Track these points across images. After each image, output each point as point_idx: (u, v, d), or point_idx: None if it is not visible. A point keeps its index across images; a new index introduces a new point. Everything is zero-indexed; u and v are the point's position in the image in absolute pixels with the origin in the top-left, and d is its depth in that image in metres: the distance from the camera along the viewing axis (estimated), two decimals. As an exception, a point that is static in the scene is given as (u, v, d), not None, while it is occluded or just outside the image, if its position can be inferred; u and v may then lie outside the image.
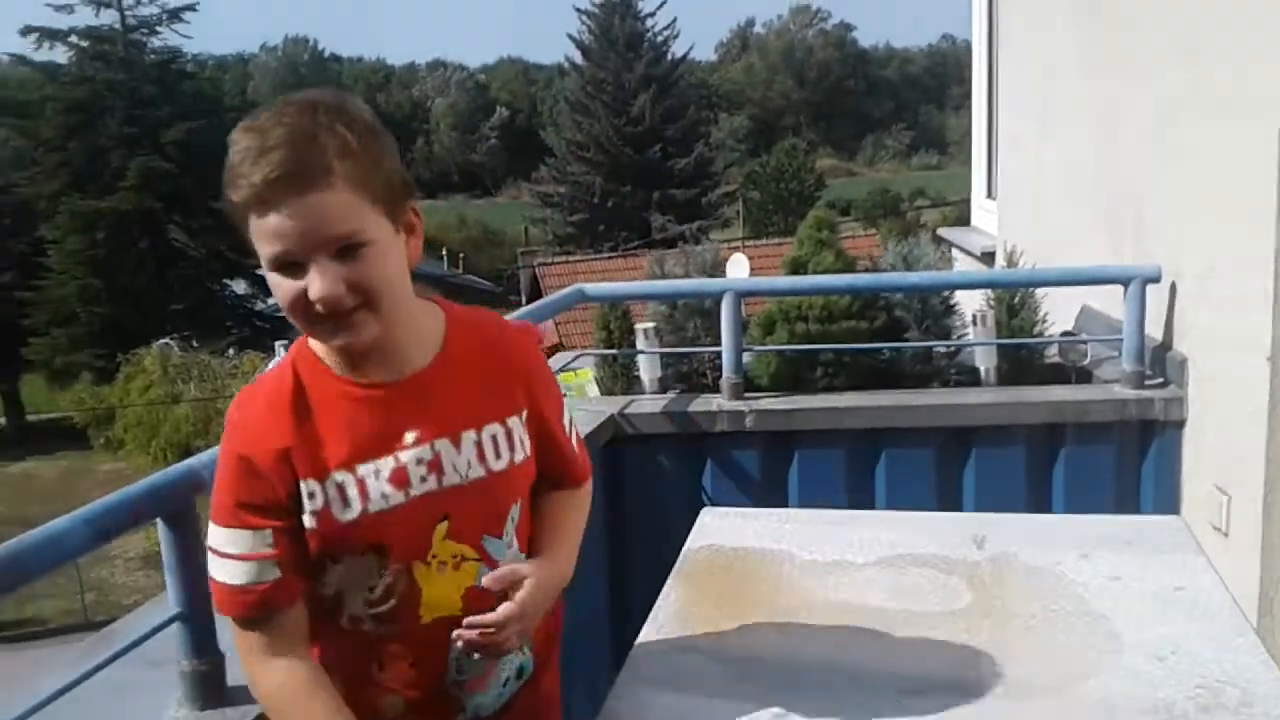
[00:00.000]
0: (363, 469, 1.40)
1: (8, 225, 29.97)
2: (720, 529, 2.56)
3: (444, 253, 41.14)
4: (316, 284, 1.30)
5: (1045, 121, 5.10)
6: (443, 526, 1.45)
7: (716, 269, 3.91)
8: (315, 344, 1.43)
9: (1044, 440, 3.54)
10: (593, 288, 3.84)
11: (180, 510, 1.77)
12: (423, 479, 1.43)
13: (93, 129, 30.13)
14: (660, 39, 39.47)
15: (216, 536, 1.40)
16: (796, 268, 3.86)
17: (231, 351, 24.69)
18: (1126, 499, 3.49)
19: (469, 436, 1.47)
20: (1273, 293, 2.89)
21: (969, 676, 1.81)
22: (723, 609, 2.14)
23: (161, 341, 23.24)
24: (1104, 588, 2.13)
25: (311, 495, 1.38)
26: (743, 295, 3.60)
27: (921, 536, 2.43)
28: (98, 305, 28.17)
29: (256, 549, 1.37)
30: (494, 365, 1.51)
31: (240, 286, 30.45)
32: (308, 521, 1.39)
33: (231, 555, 1.38)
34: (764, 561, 2.35)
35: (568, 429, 1.66)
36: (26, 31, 30.81)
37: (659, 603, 2.19)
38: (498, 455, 1.49)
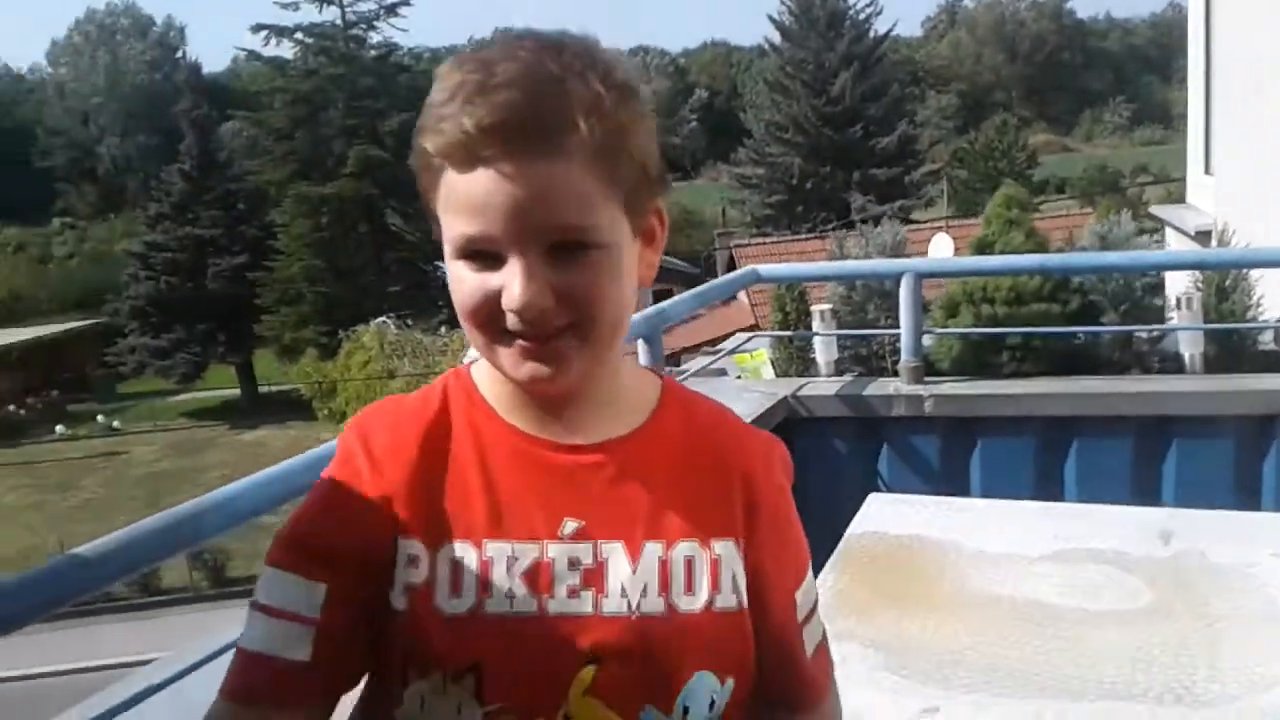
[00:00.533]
0: (493, 548, 0.97)
1: (241, 211, 32.19)
2: (887, 515, 2.50)
3: (643, 235, 41.54)
4: (518, 287, 0.91)
5: (1265, 92, 4.71)
6: (587, 674, 0.96)
7: (897, 250, 3.79)
8: (481, 370, 1.04)
9: (1254, 432, 3.28)
10: (767, 269, 3.80)
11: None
12: (571, 592, 0.96)
13: (316, 120, 31.96)
14: (863, 17, 38.58)
15: (261, 579, 1.01)
16: (982, 248, 3.71)
17: (443, 329, 25.73)
18: (1348, 498, 3.20)
19: (653, 550, 0.99)
20: None
21: (1138, 681, 1.71)
22: (880, 597, 2.09)
23: (379, 320, 24.46)
24: (1301, 592, 1.97)
25: (413, 561, 0.96)
26: (923, 276, 3.49)
27: (1102, 531, 2.31)
28: (321, 285, 29.88)
29: (297, 606, 0.96)
30: (713, 466, 1.04)
31: (450, 269, 31.73)
32: (396, 601, 0.95)
33: (261, 606, 0.97)
34: (929, 550, 2.28)
35: (802, 617, 1.07)
36: (257, 29, 32.94)
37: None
38: (690, 590, 1.00)
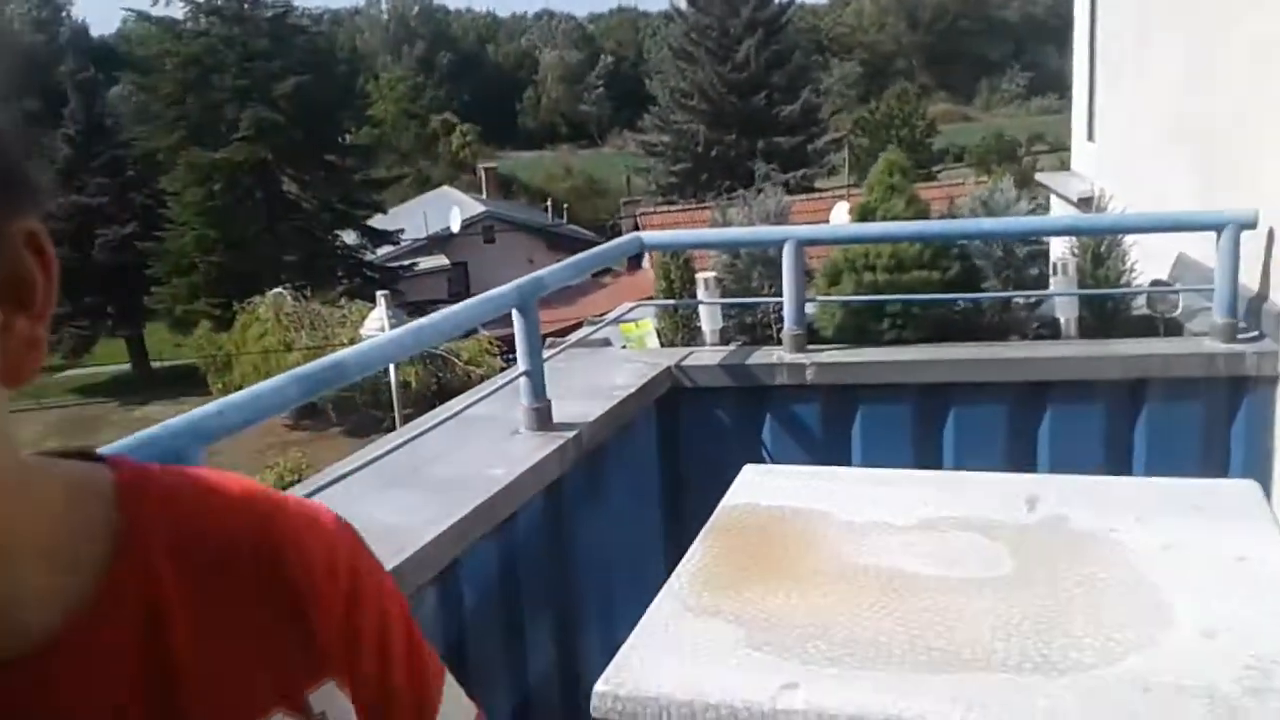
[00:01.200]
0: None
1: (130, 178, 31.07)
2: (760, 486, 2.47)
3: (548, 204, 41.27)
4: None
5: (1141, 61, 4.79)
6: None
7: (781, 218, 3.76)
8: None
9: (1126, 397, 3.33)
10: (651, 236, 3.74)
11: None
12: None
13: (208, 83, 30.90)
14: (767, -18, 38.64)
15: None
16: (865, 215, 3.70)
17: (343, 301, 25.22)
18: (1214, 461, 3.28)
19: None
20: (1377, 239, 2.65)
21: (996, 650, 1.70)
22: (748, 570, 2.05)
23: (275, 291, 23.84)
24: (1158, 556, 1.98)
25: None
26: (805, 243, 3.46)
27: (970, 498, 2.31)
28: (215, 255, 29.01)
29: None
30: (246, 593, 0.70)
31: (350, 237, 31.04)
32: None
33: None
34: (799, 521, 2.25)
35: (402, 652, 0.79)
36: (145, -12, 31.68)
37: (683, 562, 2.12)
38: None
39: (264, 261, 28.28)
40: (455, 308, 2.62)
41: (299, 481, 2.88)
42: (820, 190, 33.19)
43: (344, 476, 2.20)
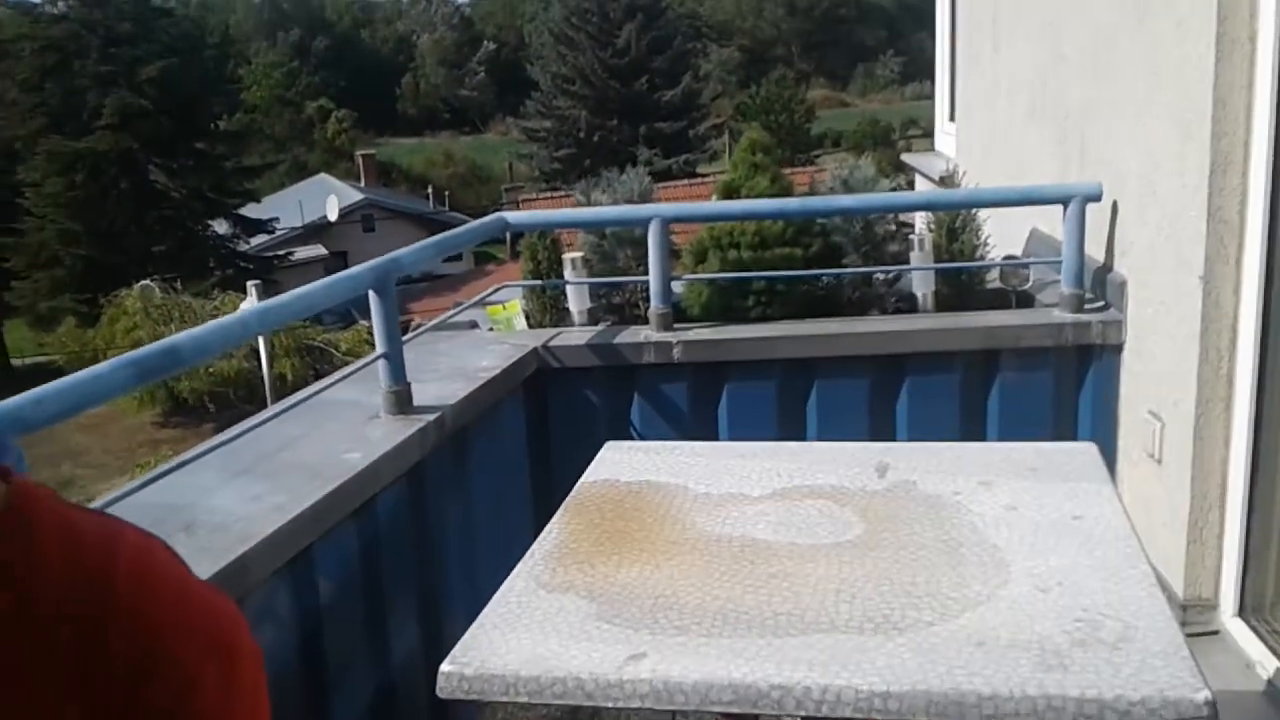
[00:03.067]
0: None
1: (-15, 168, 29.65)
2: (619, 463, 2.47)
3: (429, 191, 40.71)
4: None
5: (998, 42, 4.93)
6: None
7: (645, 198, 3.76)
8: None
9: (980, 367, 3.43)
10: (515, 216, 3.70)
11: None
12: None
13: (68, 69, 29.63)
14: (645, -32, 38.70)
15: None
16: (729, 193, 3.72)
17: (215, 292, 24.50)
18: (1064, 426, 3.40)
19: None
20: (1206, 209, 2.78)
21: (841, 611, 1.73)
22: (604, 545, 2.05)
23: (143, 283, 23.02)
24: (1000, 517, 2.05)
25: None
26: (670, 221, 3.47)
27: (824, 467, 2.34)
28: (79, 248, 27.88)
29: None
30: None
31: (222, 227, 30.15)
32: None
33: None
34: (656, 496, 2.26)
35: None
36: (-2, -31, 30.24)
37: (539, 539, 2.10)
38: None
39: (132, 253, 27.29)
40: (307, 288, 2.55)
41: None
42: (703, 175, 33.44)
43: (187, 463, 2.13)
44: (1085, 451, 2.34)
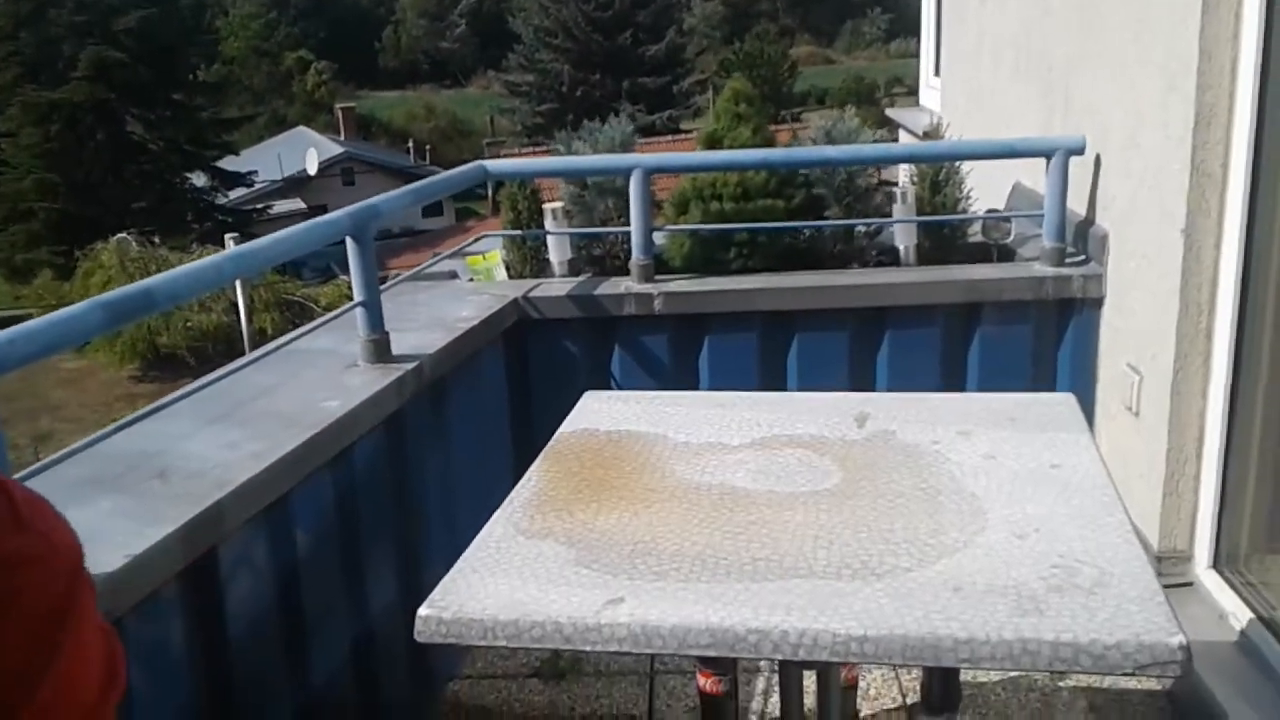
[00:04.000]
0: None
1: (-42, 119, 29.19)
2: (598, 412, 2.46)
3: (409, 145, 40.35)
4: None
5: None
6: None
7: (626, 147, 3.73)
8: None
9: (961, 320, 3.43)
10: (494, 164, 3.67)
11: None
12: None
13: (43, 18, 29.15)
14: (630, -81, 38.20)
15: None
16: (712, 143, 3.69)
17: (194, 246, 24.29)
18: (1043, 379, 3.41)
19: None
20: (1190, 163, 2.77)
21: (819, 557, 1.73)
22: (582, 492, 2.04)
23: (119, 236, 22.79)
24: (979, 466, 2.05)
25: None
26: (651, 172, 3.44)
27: (804, 417, 2.34)
28: (55, 200, 27.57)
29: None
30: None
31: (200, 180, 29.84)
32: None
33: None
34: (635, 444, 2.25)
35: None
36: (-33, -86, 29.60)
37: (517, 486, 2.09)
38: None
39: (109, 206, 27.01)
40: (283, 232, 2.52)
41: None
42: (686, 132, 33.24)
43: (161, 409, 2.11)
44: (1064, 402, 2.34)
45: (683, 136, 29.44)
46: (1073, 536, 1.77)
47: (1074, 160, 3.38)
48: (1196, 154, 2.75)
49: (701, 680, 2.41)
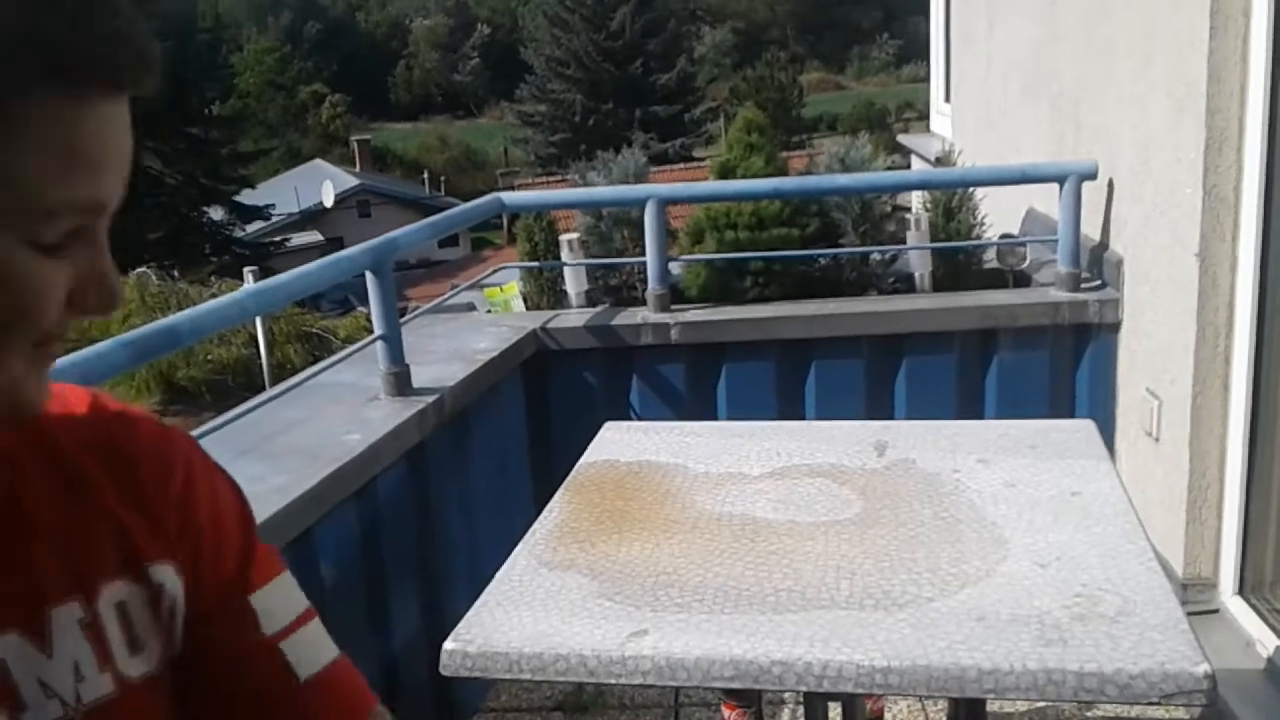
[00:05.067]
0: None
1: (-22, 155, 29.56)
2: (618, 443, 2.47)
3: (425, 176, 40.62)
4: (113, 275, 0.68)
5: (992, 20, 4.92)
6: None
7: (640, 178, 3.76)
8: None
9: (977, 347, 3.44)
10: (511, 197, 3.70)
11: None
12: None
13: (60, 54, 29.58)
14: (640, -50, 38.54)
15: None
16: (725, 173, 3.72)
17: (212, 279, 24.47)
18: (1061, 405, 3.41)
19: (69, 614, 0.72)
20: (1202, 186, 2.78)
21: (841, 588, 1.74)
22: (604, 524, 2.05)
23: (139, 271, 22.98)
24: (999, 494, 2.05)
25: None
26: (666, 202, 3.47)
27: (823, 446, 2.35)
28: (73, 235, 27.85)
29: None
30: (101, 487, 0.77)
31: (217, 213, 30.09)
32: None
33: None
34: (656, 475, 2.26)
35: (287, 627, 0.86)
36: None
37: (539, 518, 2.11)
38: (134, 646, 0.76)
39: (127, 240, 27.22)
40: (304, 268, 2.55)
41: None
42: (699, 159, 33.39)
43: (186, 446, 2.13)
44: (1083, 428, 2.35)
45: (695, 164, 29.56)
46: (1094, 565, 1.77)
47: (1087, 185, 3.40)
48: (1208, 177, 2.76)
49: (726, 713, 2.41)
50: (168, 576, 0.78)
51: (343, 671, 0.88)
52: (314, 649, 0.86)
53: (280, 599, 0.86)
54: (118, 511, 0.76)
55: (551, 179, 28.53)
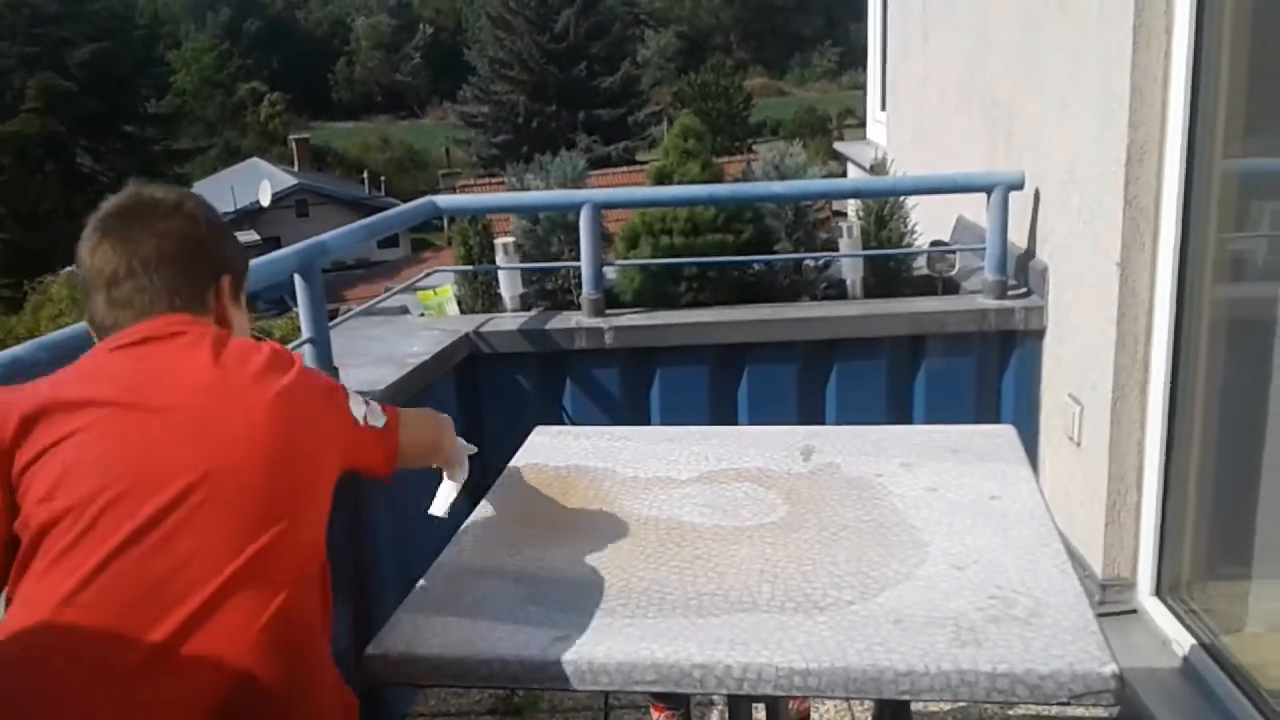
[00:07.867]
0: None
1: (-97, 150, 28.73)
2: (548, 447, 2.47)
3: (364, 176, 40.24)
4: None
5: (927, 31, 4.99)
6: None
7: (577, 183, 3.76)
8: None
9: (907, 353, 3.49)
10: (445, 200, 3.68)
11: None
12: None
13: (-9, 49, 28.87)
14: (584, -47, 38.50)
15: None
16: (661, 179, 3.74)
17: (145, 279, 24.02)
18: (987, 410, 3.47)
19: None
20: (1123, 197, 2.84)
21: (764, 591, 1.76)
22: (531, 528, 2.06)
23: (69, 269, 22.48)
24: (921, 498, 2.08)
25: None
26: (601, 207, 3.47)
27: (751, 451, 2.37)
28: (3, 233, 27.21)
29: None
30: None
31: (152, 212, 29.53)
32: None
33: None
34: (584, 479, 2.27)
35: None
36: (-87, -55, 29.26)
37: (466, 523, 2.10)
38: None
39: (58, 239, 26.63)
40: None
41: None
42: (642, 163, 33.43)
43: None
44: (1004, 434, 2.39)
45: (638, 168, 29.57)
46: (1010, 567, 1.80)
47: (1015, 194, 3.46)
48: (1130, 188, 2.83)
49: (655, 715, 2.43)
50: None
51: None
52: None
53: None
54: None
55: (494, 181, 28.36)
